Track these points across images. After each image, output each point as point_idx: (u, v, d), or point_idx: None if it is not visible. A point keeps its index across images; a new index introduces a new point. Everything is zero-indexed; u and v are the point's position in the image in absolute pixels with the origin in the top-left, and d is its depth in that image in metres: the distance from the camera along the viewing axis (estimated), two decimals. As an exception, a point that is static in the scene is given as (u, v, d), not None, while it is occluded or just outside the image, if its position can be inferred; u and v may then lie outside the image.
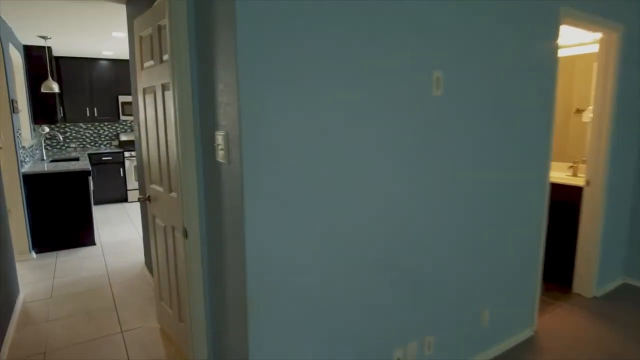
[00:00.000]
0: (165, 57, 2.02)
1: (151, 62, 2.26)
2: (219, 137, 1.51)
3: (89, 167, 4.56)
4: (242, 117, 1.33)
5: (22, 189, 4.18)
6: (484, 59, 2.01)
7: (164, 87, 2.11)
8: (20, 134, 4.28)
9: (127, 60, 6.94)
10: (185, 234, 1.79)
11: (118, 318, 2.99)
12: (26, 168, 4.46)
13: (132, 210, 6.42)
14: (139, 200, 2.61)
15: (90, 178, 4.61)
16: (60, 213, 4.45)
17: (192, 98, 1.71)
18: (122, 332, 2.80)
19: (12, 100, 4.04)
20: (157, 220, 2.49)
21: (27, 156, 4.69)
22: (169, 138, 2.13)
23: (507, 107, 2.19)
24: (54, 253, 4.43)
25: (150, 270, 3.60)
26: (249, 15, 1.29)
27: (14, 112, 4.06)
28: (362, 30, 1.53)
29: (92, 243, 4.66)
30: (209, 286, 1.86)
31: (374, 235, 1.72)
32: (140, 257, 4.22)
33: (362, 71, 1.56)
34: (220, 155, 1.52)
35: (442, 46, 1.80)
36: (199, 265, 1.83)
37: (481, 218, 2.19)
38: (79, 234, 4.59)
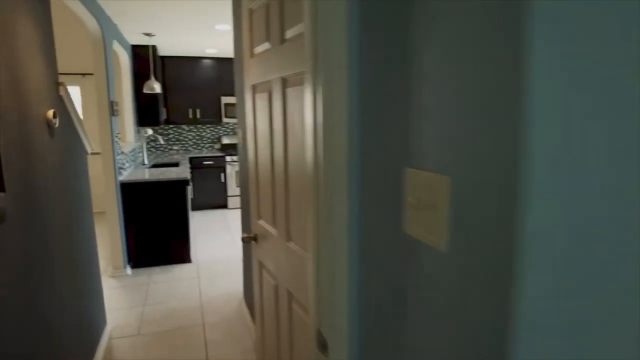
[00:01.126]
0: (292, 31, 1.24)
1: (266, 45, 1.51)
2: (419, 182, 0.67)
3: (188, 176, 4.09)
4: (534, 150, 0.48)
5: (119, 197, 3.81)
6: None
7: (285, 83, 1.34)
8: (118, 139, 3.93)
9: (230, 59, 6.54)
10: (324, 346, 0.98)
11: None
12: (125, 175, 4.11)
13: (232, 218, 5.99)
14: (243, 240, 1.90)
15: (189, 188, 4.14)
16: (156, 225, 4.04)
17: (348, 101, 0.89)
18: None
19: (112, 102, 3.67)
20: (266, 275, 1.75)
21: (127, 161, 4.37)
22: (290, 162, 1.35)
23: None
24: (148, 270, 4.01)
25: (249, 307, 2.94)
26: None
27: (113, 114, 3.69)
28: None
29: (188, 260, 4.19)
30: None
31: None
32: (239, 285, 3.61)
33: None
34: (418, 225, 0.68)
35: None
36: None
37: None
38: (175, 249, 4.14)
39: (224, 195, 6.52)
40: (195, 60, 6.40)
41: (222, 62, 6.52)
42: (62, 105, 2.22)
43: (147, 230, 4.01)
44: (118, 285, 3.66)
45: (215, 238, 5.04)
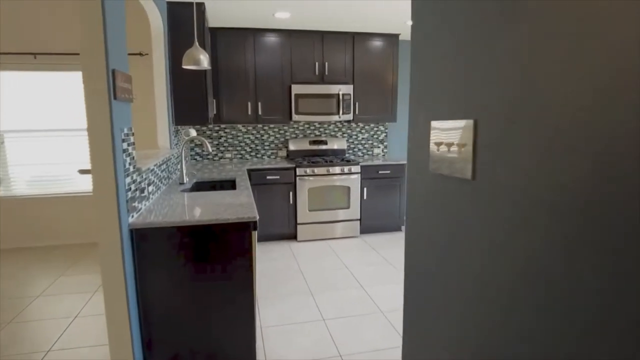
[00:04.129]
0: None
1: None
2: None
3: (255, 214, 2.20)
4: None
5: (127, 255, 1.98)
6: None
7: None
8: (130, 144, 2.10)
9: (305, 31, 4.66)
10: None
11: None
12: (144, 210, 2.28)
13: (303, 256, 4.09)
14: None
15: (254, 234, 2.24)
16: (193, 307, 2.17)
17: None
18: None
19: (114, 73, 1.85)
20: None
21: (154, 180, 2.56)
22: None
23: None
24: (181, 389, 2.15)
25: None
26: None
27: (115, 97, 1.87)
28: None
29: (251, 366, 2.30)
30: None
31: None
32: None
33: None
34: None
35: None
36: None
37: None
38: (226, 350, 2.25)
39: (293, 223, 4.64)
40: (257, 32, 4.57)
41: (295, 36, 4.66)
42: None
43: (176, 314, 2.15)
44: None
45: (290, 298, 3.15)
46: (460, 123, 0.81)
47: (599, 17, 0.52)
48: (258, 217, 2.19)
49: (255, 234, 2.22)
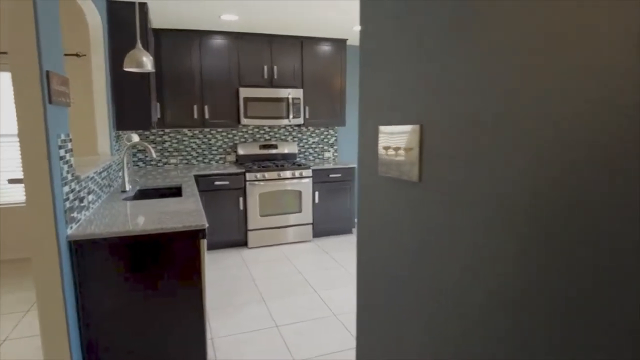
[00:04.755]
0: None
1: None
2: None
3: (204, 221, 2.13)
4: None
5: (66, 269, 1.86)
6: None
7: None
8: (67, 151, 1.97)
9: (254, 35, 4.63)
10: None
11: None
12: (83, 220, 2.15)
13: (255, 263, 4.03)
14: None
15: (203, 242, 2.18)
16: (140, 324, 2.07)
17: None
18: None
19: (47, 73, 1.73)
20: None
21: (93, 189, 2.42)
22: None
23: None
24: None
25: None
26: None
27: (51, 100, 1.75)
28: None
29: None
30: None
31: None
32: None
33: None
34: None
35: None
36: None
37: None
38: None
39: (243, 229, 4.56)
40: (204, 35, 4.47)
41: (243, 39, 4.60)
42: None
43: (122, 330, 2.05)
44: None
45: (239, 309, 3.08)
46: (407, 128, 0.83)
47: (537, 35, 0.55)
48: (207, 225, 2.13)
49: (204, 243, 2.15)
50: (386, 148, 0.92)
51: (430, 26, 0.76)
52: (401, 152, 0.86)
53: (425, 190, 0.80)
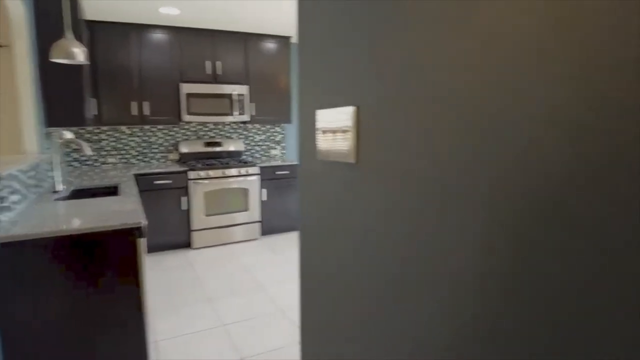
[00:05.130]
0: None
1: None
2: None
3: (142, 220, 2.04)
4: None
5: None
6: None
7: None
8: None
9: (196, 29, 4.50)
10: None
11: None
12: (7, 221, 1.98)
13: (201, 263, 3.91)
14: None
15: (143, 242, 2.08)
16: (72, 337, 1.94)
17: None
18: None
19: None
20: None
21: (20, 189, 2.24)
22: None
23: None
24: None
25: None
26: None
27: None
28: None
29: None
30: None
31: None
32: None
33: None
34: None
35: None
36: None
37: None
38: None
39: (186, 230, 4.42)
40: (142, 28, 4.28)
41: (185, 33, 4.46)
42: None
43: (53, 340, 1.91)
44: None
45: (184, 311, 2.98)
46: (344, 110, 0.84)
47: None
48: (145, 223, 2.04)
49: (141, 242, 2.06)
50: (324, 131, 0.92)
51: (364, 9, 0.77)
52: (339, 134, 0.86)
53: (362, 171, 0.81)
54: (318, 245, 1.03)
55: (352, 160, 0.82)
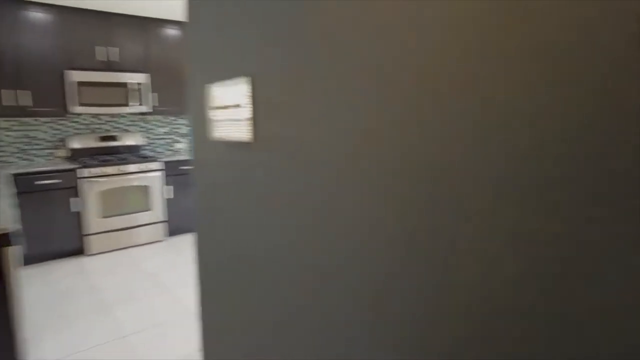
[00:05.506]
0: None
1: None
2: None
3: (9, 224, 1.71)
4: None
5: None
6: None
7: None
8: None
9: (85, 10, 4.03)
10: None
11: None
12: None
13: (96, 271, 3.51)
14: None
15: (14, 251, 1.75)
16: None
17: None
18: None
19: None
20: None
21: None
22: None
23: None
24: None
25: None
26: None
27: None
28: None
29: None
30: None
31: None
32: None
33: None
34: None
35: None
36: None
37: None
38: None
39: (78, 234, 3.95)
40: (16, 5, 3.71)
41: (71, 14, 3.96)
42: None
43: None
44: None
45: (75, 325, 2.63)
46: (238, 81, 0.71)
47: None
48: (18, 228, 1.72)
49: (12, 251, 1.73)
50: (218, 108, 0.79)
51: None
52: (232, 109, 0.74)
53: (260, 151, 0.69)
54: (215, 245, 0.89)
55: (248, 138, 0.70)
